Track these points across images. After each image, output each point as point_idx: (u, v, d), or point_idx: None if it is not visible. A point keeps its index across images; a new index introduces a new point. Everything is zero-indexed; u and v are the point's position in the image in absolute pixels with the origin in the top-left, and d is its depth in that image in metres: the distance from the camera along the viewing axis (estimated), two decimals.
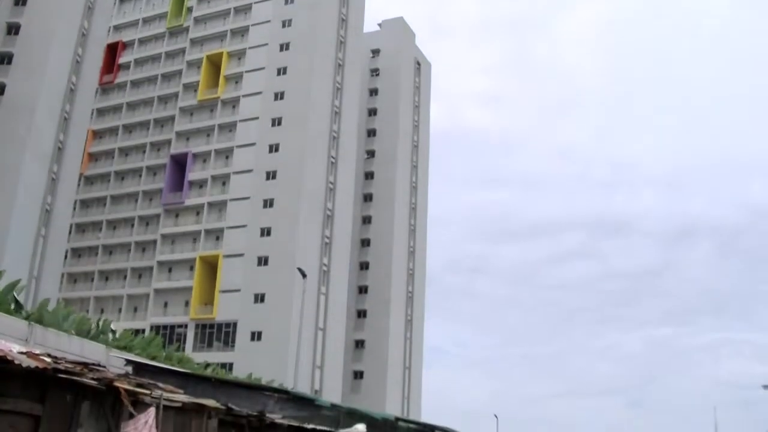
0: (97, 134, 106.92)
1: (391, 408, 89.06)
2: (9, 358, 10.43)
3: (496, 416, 72.65)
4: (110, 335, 39.25)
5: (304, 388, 63.36)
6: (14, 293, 35.12)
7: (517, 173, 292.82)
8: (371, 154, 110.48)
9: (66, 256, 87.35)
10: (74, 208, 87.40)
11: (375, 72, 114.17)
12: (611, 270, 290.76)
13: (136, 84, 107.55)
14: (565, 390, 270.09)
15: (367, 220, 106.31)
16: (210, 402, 16.85)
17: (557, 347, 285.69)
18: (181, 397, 16.73)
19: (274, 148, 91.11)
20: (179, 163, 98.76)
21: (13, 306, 33.63)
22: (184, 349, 78.52)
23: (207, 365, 50.57)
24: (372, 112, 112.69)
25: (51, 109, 69.59)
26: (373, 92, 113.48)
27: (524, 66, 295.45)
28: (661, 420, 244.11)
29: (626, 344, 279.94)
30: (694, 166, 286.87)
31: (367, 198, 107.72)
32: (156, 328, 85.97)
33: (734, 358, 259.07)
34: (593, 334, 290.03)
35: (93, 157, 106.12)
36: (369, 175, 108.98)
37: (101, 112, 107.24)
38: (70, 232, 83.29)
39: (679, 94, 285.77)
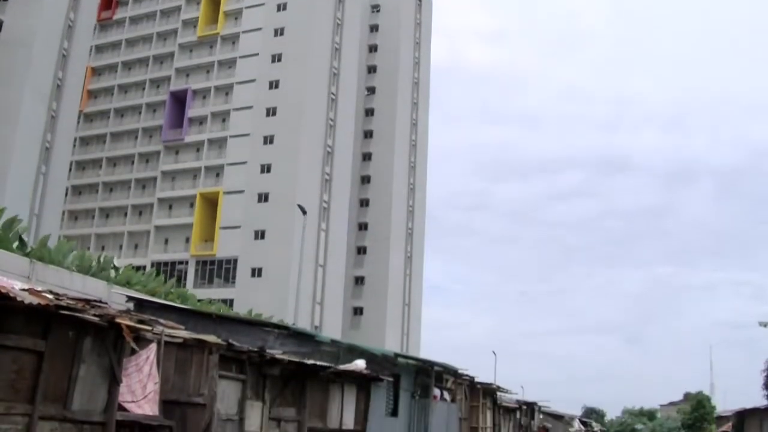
0: (96, 71, 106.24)
1: (391, 344, 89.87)
2: (11, 295, 10.56)
3: (494, 352, 73.37)
4: (111, 272, 39.45)
5: (304, 324, 63.84)
6: (18, 232, 35.23)
7: (518, 111, 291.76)
8: (371, 90, 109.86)
9: (66, 194, 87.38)
10: (74, 146, 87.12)
11: (375, 8, 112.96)
12: (611, 209, 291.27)
13: (134, 20, 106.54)
14: (563, 327, 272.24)
15: (367, 156, 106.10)
16: (211, 338, 17.04)
17: (556, 285, 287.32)
18: (182, 333, 16.94)
19: (274, 85, 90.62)
20: (179, 100, 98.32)
21: (16, 243, 33.76)
22: (184, 286, 78.97)
23: (209, 301, 50.96)
24: (372, 49, 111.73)
25: (49, 46, 68.97)
26: (374, 28, 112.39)
27: (526, 3, 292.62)
28: (658, 358, 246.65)
29: (624, 283, 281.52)
30: (695, 106, 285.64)
31: (368, 135, 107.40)
32: (157, 265, 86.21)
33: (732, 298, 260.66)
34: (592, 272, 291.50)
35: (92, 95, 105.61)
36: (369, 112, 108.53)
37: (100, 49, 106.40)
38: (70, 170, 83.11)
39: (681, 34, 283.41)
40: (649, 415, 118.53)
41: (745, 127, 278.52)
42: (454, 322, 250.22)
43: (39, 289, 12.50)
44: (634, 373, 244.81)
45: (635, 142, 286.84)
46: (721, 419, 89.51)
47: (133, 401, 14.36)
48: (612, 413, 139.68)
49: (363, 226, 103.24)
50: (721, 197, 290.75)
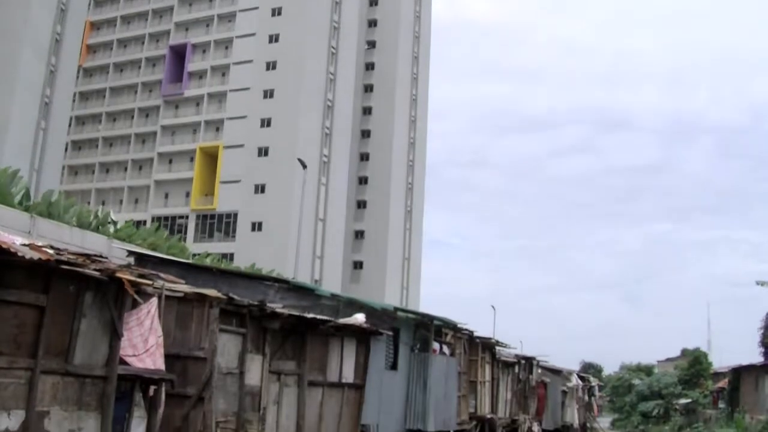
0: (95, 26, 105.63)
1: (390, 298, 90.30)
2: (12, 250, 10.62)
3: (493, 307, 73.69)
4: (112, 226, 39.57)
5: (304, 278, 64.11)
6: (25, 186, 35.29)
7: (519, 66, 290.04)
8: (372, 45, 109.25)
9: (66, 149, 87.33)
10: (73, 101, 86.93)
11: None
12: (611, 165, 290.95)
13: None
14: (563, 283, 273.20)
15: (367, 111, 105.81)
16: (211, 292, 17.13)
17: (555, 241, 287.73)
18: (183, 287, 17.03)
19: (274, 39, 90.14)
20: (178, 54, 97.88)
21: (19, 198, 33.83)
22: (185, 240, 79.20)
23: (208, 255, 51.10)
24: (373, 2, 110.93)
25: (47, 0, 68.54)
26: None
27: None
28: (656, 314, 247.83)
29: (624, 240, 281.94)
30: (696, 62, 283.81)
31: (368, 89, 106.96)
32: (157, 220, 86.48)
33: (730, 256, 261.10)
34: (592, 228, 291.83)
35: (91, 49, 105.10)
36: (370, 66, 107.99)
37: (98, 3, 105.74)
38: (69, 125, 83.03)
39: None
40: (647, 370, 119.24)
41: (747, 85, 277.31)
42: (454, 276, 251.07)
43: (39, 244, 12.55)
44: (632, 329, 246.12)
45: (636, 99, 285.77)
46: (717, 375, 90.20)
47: (134, 355, 14.48)
48: (610, 368, 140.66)
49: (363, 181, 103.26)
50: (722, 155, 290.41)
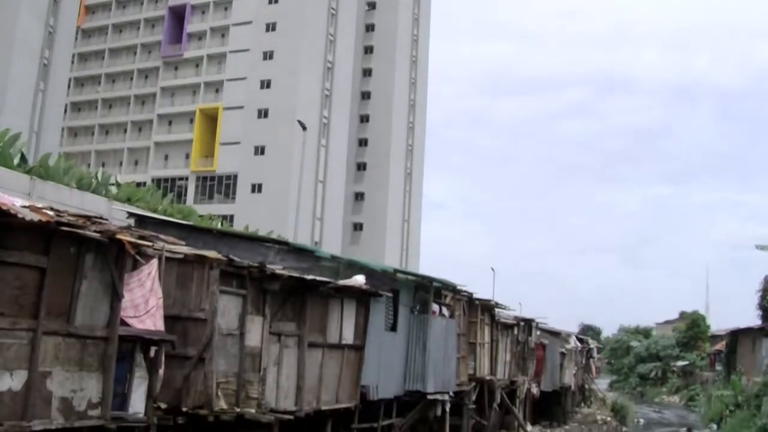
0: None
1: (390, 260, 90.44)
2: (12, 212, 10.65)
3: (492, 269, 73.85)
4: (112, 188, 39.54)
5: (304, 240, 64.17)
6: (22, 150, 35.22)
7: (520, 28, 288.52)
8: (372, 6, 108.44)
9: (65, 111, 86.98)
10: (72, 62, 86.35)
11: None
12: (611, 128, 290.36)
13: None
14: (562, 246, 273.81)
15: (367, 72, 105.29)
16: (211, 253, 17.18)
17: (555, 203, 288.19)
18: (183, 248, 17.07)
19: (273, 0, 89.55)
20: (178, 15, 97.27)
21: (17, 161, 33.78)
22: (185, 202, 79.18)
23: (209, 217, 51.09)
24: None
25: None
26: None
27: None
28: (655, 277, 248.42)
29: (624, 203, 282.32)
30: (699, 24, 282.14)
31: (368, 50, 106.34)
32: (157, 181, 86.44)
33: (730, 219, 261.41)
34: (591, 191, 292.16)
35: (90, 10, 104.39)
36: (370, 27, 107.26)
37: None
38: (68, 87, 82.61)
39: None
40: (645, 332, 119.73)
41: (750, 48, 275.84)
42: (453, 239, 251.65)
43: (40, 206, 12.57)
44: (630, 292, 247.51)
45: (637, 62, 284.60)
46: (715, 338, 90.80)
47: (135, 316, 14.56)
48: (608, 331, 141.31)
49: (363, 142, 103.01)
50: (723, 119, 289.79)
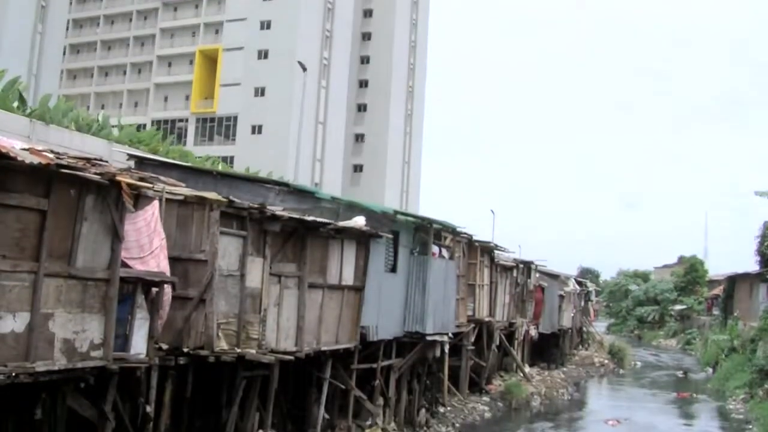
0: None
1: (390, 201, 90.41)
2: (12, 155, 10.64)
3: (492, 211, 73.79)
4: (113, 130, 39.47)
5: (304, 181, 64.07)
6: (19, 90, 35.06)
7: None
8: None
9: (64, 53, 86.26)
10: (70, 4, 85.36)
11: None
12: (614, 69, 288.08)
13: None
14: (562, 189, 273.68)
15: (368, 13, 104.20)
16: (212, 195, 17.21)
17: (555, 146, 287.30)
18: (183, 190, 17.10)
19: None
20: None
21: (16, 103, 33.67)
22: (185, 144, 79.04)
23: (209, 159, 51.03)
24: None
25: None
26: None
27: None
28: (654, 221, 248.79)
29: (624, 145, 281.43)
30: None
31: None
32: (157, 123, 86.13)
33: (731, 165, 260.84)
34: (592, 134, 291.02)
35: None
36: None
37: None
38: (67, 28, 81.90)
39: None
40: (643, 276, 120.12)
41: None
42: (454, 180, 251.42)
43: (39, 148, 12.57)
44: (630, 236, 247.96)
45: (641, 3, 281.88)
46: (712, 283, 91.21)
47: (140, 257, 14.64)
48: (607, 274, 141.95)
49: (363, 84, 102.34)
50: (727, 62, 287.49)
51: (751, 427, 34.23)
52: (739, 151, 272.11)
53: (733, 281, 66.96)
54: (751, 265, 57.88)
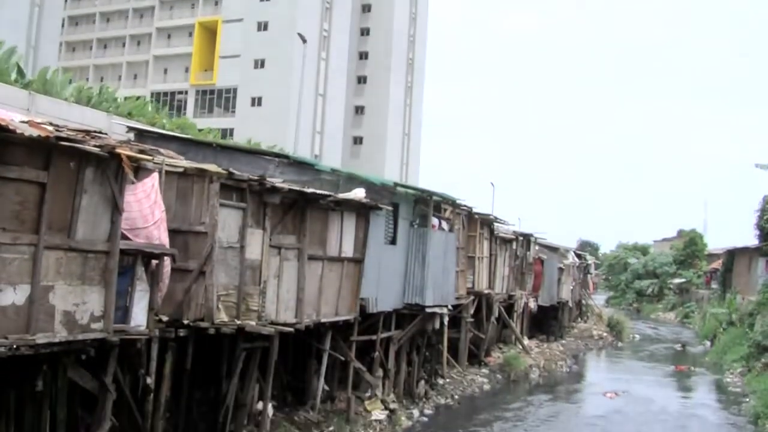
0: None
1: (390, 174, 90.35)
2: (11, 127, 10.62)
3: (492, 184, 73.62)
4: (115, 102, 39.36)
5: (304, 153, 63.94)
6: (17, 62, 34.92)
7: None
8: None
9: (63, 25, 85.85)
10: None
11: None
12: (616, 41, 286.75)
13: None
14: (562, 161, 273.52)
15: None
16: (211, 167, 17.20)
17: (556, 118, 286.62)
18: (183, 162, 17.10)
19: None
20: None
21: (14, 75, 33.55)
22: (185, 116, 78.82)
23: (208, 131, 50.90)
24: None
25: None
26: None
27: None
28: (655, 195, 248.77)
29: (626, 117, 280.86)
30: None
31: None
32: (156, 95, 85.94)
33: (732, 138, 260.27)
34: (596, 104, 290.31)
35: None
36: None
37: None
38: (65, 0, 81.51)
39: None
40: (643, 250, 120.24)
41: None
42: (454, 153, 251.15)
43: (39, 120, 12.55)
44: (630, 209, 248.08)
45: None
46: (712, 256, 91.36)
47: (138, 228, 14.66)
48: (606, 247, 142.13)
49: (363, 56, 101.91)
50: (731, 35, 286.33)
51: (748, 400, 34.38)
52: (740, 125, 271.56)
53: (732, 255, 67.07)
54: (751, 239, 57.96)
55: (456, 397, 31.69)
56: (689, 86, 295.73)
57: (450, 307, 30.74)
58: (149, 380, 15.65)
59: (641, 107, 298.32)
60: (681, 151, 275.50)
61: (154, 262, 14.70)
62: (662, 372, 45.29)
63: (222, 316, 16.66)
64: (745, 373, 40.49)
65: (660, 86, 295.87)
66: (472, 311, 36.45)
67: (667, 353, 54.82)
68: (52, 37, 68.73)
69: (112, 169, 12.90)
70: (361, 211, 23.15)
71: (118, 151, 12.68)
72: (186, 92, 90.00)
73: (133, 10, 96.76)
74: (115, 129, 27.69)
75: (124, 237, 13.73)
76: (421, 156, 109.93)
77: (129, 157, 12.95)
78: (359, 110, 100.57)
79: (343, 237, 22.30)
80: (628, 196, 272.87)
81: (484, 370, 37.19)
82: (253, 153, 25.07)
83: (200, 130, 47.37)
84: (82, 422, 15.48)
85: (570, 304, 60.43)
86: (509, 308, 43.73)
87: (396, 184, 26.51)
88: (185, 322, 16.17)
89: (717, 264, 79.67)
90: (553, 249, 55.55)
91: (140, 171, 14.48)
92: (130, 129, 25.78)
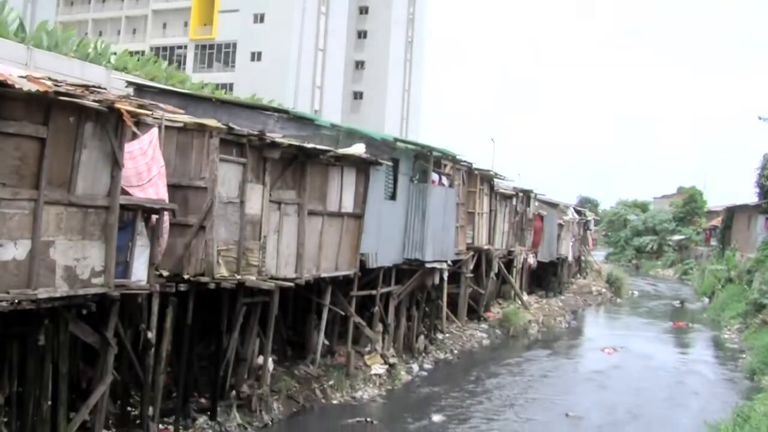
0: None
1: (390, 129, 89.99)
2: (10, 82, 10.57)
3: (492, 140, 73.64)
4: (113, 56, 39.16)
5: (304, 109, 63.83)
6: (20, 18, 34.71)
7: None
8: None
9: None
10: None
11: None
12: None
13: None
14: (562, 117, 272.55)
15: None
16: (211, 122, 17.17)
17: (556, 72, 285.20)
18: (183, 117, 17.04)
19: None
20: None
21: (16, 26, 33.35)
22: (184, 71, 78.37)
23: (208, 86, 50.68)
24: None
25: None
26: None
27: None
28: (655, 152, 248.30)
29: (627, 74, 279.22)
30: None
31: None
32: (155, 50, 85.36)
33: (734, 97, 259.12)
34: (594, 60, 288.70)
35: None
36: None
37: None
38: None
39: None
40: (642, 207, 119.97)
41: None
42: (454, 108, 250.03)
43: (37, 75, 12.49)
44: (630, 165, 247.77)
45: None
46: (711, 214, 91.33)
47: (137, 185, 14.67)
48: (606, 204, 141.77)
49: (364, 10, 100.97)
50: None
51: (744, 356, 34.60)
52: (743, 82, 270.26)
53: (732, 212, 67.09)
54: (750, 196, 57.95)
55: (455, 352, 31.90)
56: (692, 42, 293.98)
57: (449, 262, 30.79)
58: (150, 335, 15.75)
59: (643, 63, 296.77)
60: (682, 108, 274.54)
61: (154, 217, 14.73)
62: (660, 328, 45.52)
63: (222, 271, 16.72)
64: (742, 330, 40.70)
65: (662, 41, 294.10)
66: (471, 267, 36.54)
67: (665, 309, 55.04)
68: None
69: (112, 124, 12.87)
70: (361, 167, 23.14)
71: (118, 105, 12.63)
72: (185, 47, 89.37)
73: None
74: (114, 84, 27.60)
75: (123, 192, 13.72)
76: (422, 111, 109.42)
77: (129, 112, 12.91)
78: (359, 65, 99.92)
79: (343, 192, 22.32)
80: (628, 152, 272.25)
81: (484, 326, 37.37)
82: (252, 108, 25.03)
83: (204, 86, 47.07)
84: (84, 376, 15.63)
85: (569, 260, 60.52)
86: (509, 264, 43.82)
87: (396, 140, 26.46)
88: (185, 276, 16.24)
89: (716, 221, 79.69)
90: (553, 205, 55.55)
91: (139, 126, 14.46)
92: (129, 84, 25.70)
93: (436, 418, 21.97)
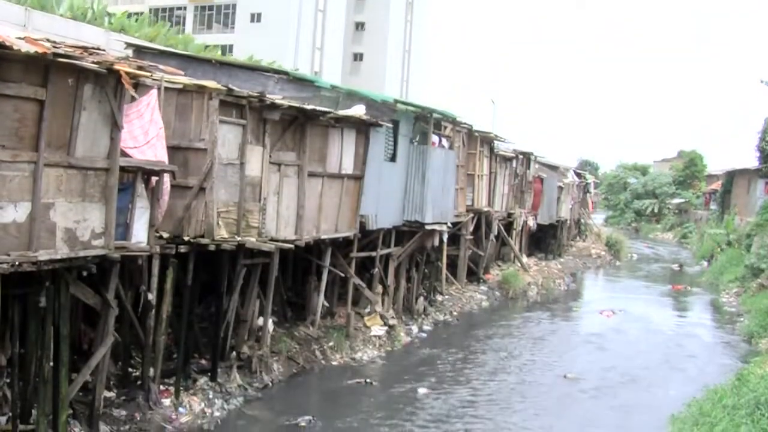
0: None
1: (390, 91, 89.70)
2: (8, 44, 10.52)
3: (493, 101, 73.39)
4: (101, 18, 38.90)
5: (303, 70, 63.48)
6: None
7: None
8: None
9: None
10: None
11: None
12: None
13: None
14: (563, 77, 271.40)
15: None
16: (211, 83, 17.12)
17: (557, 35, 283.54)
18: (182, 78, 16.98)
19: None
20: None
21: None
22: (183, 32, 77.93)
23: (206, 48, 50.42)
24: None
25: None
26: None
27: None
28: (655, 115, 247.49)
29: (627, 38, 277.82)
30: None
31: None
32: (155, 11, 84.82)
33: (735, 61, 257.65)
34: (595, 27, 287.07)
35: None
36: None
37: None
38: None
39: None
40: (643, 170, 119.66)
41: None
42: (454, 70, 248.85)
43: (36, 37, 12.42)
44: (630, 128, 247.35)
45: None
46: (711, 177, 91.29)
47: (135, 147, 14.65)
48: (606, 167, 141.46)
49: None
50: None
51: (742, 319, 34.75)
52: (746, 46, 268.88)
53: (732, 176, 67.08)
54: (751, 160, 57.88)
55: (454, 313, 32.05)
56: (694, 4, 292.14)
57: (449, 224, 30.85)
58: (150, 296, 15.83)
59: (643, 25, 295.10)
60: (683, 71, 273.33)
61: (154, 178, 14.73)
62: (659, 291, 45.67)
63: (222, 233, 16.76)
64: (740, 293, 40.83)
65: (664, 9, 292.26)
66: (471, 229, 36.60)
67: (664, 273, 55.20)
68: None
69: (111, 85, 12.82)
70: (361, 128, 23.11)
71: (117, 67, 12.58)
72: (185, 8, 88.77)
73: None
74: (113, 45, 27.46)
75: (123, 154, 13.71)
76: (424, 73, 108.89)
77: (128, 74, 12.86)
78: (359, 26, 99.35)
79: (343, 154, 22.30)
80: (628, 115, 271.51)
81: (483, 287, 37.50)
82: (252, 69, 24.95)
83: (207, 47, 46.72)
84: (86, 337, 15.72)
85: (569, 222, 60.57)
86: (508, 226, 43.87)
87: (396, 101, 26.36)
88: (186, 238, 16.28)
89: (716, 185, 79.67)
90: (553, 168, 55.50)
91: (139, 88, 14.41)
92: (128, 45, 25.58)
93: (435, 379, 22.13)
